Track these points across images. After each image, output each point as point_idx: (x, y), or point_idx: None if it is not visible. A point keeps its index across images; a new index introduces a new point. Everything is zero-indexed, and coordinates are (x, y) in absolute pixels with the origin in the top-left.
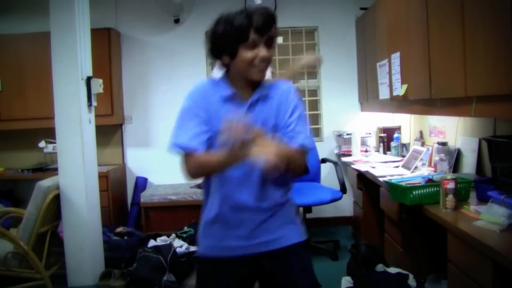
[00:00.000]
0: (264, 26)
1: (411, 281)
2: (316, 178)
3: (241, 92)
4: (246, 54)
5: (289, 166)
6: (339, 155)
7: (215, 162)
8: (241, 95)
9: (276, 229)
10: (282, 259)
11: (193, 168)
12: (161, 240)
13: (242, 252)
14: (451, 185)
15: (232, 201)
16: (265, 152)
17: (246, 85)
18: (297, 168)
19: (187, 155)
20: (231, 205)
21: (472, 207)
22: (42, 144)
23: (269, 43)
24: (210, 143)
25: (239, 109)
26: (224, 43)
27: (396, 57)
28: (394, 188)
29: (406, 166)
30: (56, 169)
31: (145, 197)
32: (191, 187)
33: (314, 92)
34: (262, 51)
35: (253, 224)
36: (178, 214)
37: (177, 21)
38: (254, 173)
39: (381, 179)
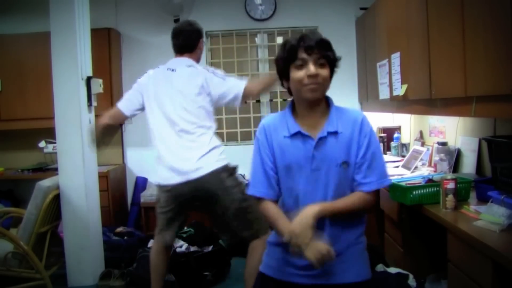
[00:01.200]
0: (312, 45)
1: (411, 281)
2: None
3: (308, 127)
4: (295, 73)
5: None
6: None
7: (270, 218)
8: (309, 130)
9: (343, 265)
10: None
11: (261, 211)
12: None
13: (307, 281)
14: (451, 185)
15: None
16: (310, 252)
17: (314, 118)
18: (364, 212)
19: (258, 200)
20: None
21: (472, 207)
22: (42, 144)
23: (321, 63)
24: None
25: (305, 146)
26: (279, 65)
27: (396, 57)
28: (394, 188)
29: (406, 166)
30: (56, 169)
31: (145, 197)
32: None
33: None
34: (310, 69)
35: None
36: None
37: (177, 21)
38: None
39: None
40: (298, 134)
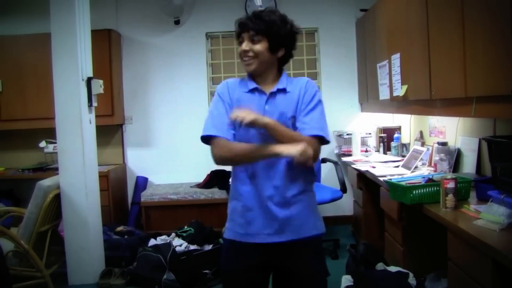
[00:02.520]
0: (244, 23)
1: (411, 279)
2: (316, 177)
3: (263, 86)
4: (239, 48)
5: None
6: (339, 155)
7: (249, 150)
8: (263, 88)
9: (300, 219)
10: (301, 249)
11: (222, 152)
12: (161, 239)
13: (265, 240)
14: (451, 185)
15: (259, 194)
16: (296, 147)
17: (265, 80)
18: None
19: (216, 141)
20: (259, 198)
21: (472, 206)
22: (42, 144)
23: (256, 39)
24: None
25: (260, 99)
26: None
27: (396, 58)
28: (394, 187)
29: (406, 166)
30: (56, 169)
31: (146, 196)
32: (191, 187)
33: None
34: (242, 46)
35: (278, 216)
36: (178, 213)
37: (177, 22)
38: (279, 165)
39: (381, 178)
40: (254, 90)
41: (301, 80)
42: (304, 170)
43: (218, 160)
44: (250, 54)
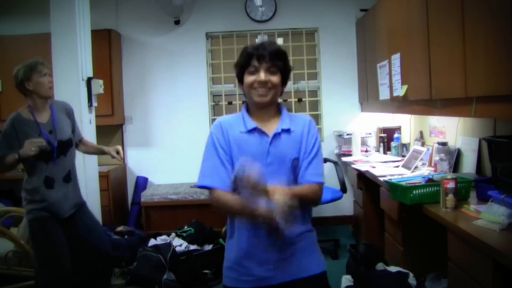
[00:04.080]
0: (261, 55)
1: (411, 279)
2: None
3: (262, 124)
4: (247, 78)
5: (303, 202)
6: (339, 155)
7: (231, 205)
8: (264, 127)
9: (299, 259)
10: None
11: (214, 203)
12: (161, 239)
13: (268, 283)
14: (451, 185)
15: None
16: (277, 198)
17: (265, 115)
18: (312, 204)
19: (212, 191)
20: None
21: (472, 206)
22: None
23: (272, 71)
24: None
25: (262, 141)
26: (236, 70)
27: (396, 58)
28: (394, 187)
29: (406, 166)
30: None
31: (146, 196)
32: (191, 187)
33: (314, 93)
34: (261, 76)
35: (277, 257)
36: (178, 213)
37: (177, 22)
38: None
39: (381, 178)
40: (254, 130)
41: (302, 119)
42: (303, 210)
43: (214, 210)
44: (269, 85)
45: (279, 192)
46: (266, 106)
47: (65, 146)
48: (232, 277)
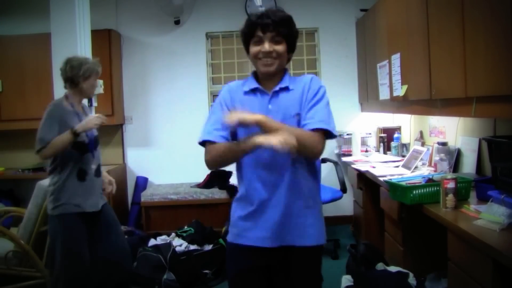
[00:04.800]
0: (265, 24)
1: (411, 279)
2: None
3: (265, 85)
4: (253, 48)
5: (302, 149)
6: (340, 155)
7: (228, 149)
8: (265, 87)
9: (305, 226)
10: (304, 257)
11: (210, 157)
12: (161, 239)
13: (266, 244)
14: (451, 185)
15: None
16: (276, 136)
17: (270, 79)
18: (310, 152)
19: (207, 147)
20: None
21: (472, 206)
22: None
23: (276, 40)
24: (235, 134)
25: (262, 99)
26: (242, 38)
27: (396, 58)
28: (394, 187)
29: (406, 166)
30: None
31: (146, 196)
32: (191, 187)
33: None
34: (265, 46)
35: (283, 217)
36: (178, 213)
37: (177, 22)
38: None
39: (381, 178)
40: (256, 90)
41: (305, 78)
42: (309, 178)
43: (207, 164)
44: (274, 55)
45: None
46: (273, 75)
47: (97, 141)
48: (234, 232)
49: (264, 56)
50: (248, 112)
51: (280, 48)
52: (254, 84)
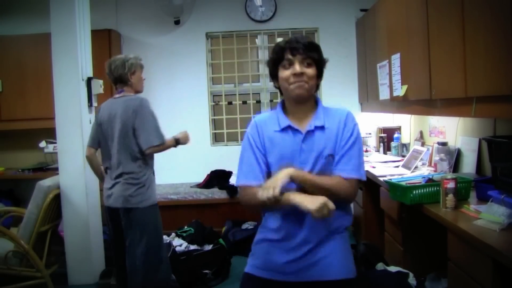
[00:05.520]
0: (294, 48)
1: (411, 279)
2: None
3: (296, 119)
4: (283, 73)
5: (335, 198)
6: None
7: (255, 200)
8: (297, 123)
9: (328, 260)
10: None
11: (244, 201)
12: None
13: (290, 279)
14: (451, 185)
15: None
16: (314, 202)
17: (301, 112)
18: (343, 200)
19: (243, 188)
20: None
21: (472, 206)
22: (42, 144)
23: (307, 63)
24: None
25: (295, 138)
26: (270, 66)
27: (396, 58)
28: (394, 187)
29: (406, 166)
30: (56, 169)
31: None
32: (191, 187)
33: None
34: (296, 68)
35: (303, 252)
36: (178, 213)
37: (177, 22)
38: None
39: (381, 178)
40: (288, 128)
41: (340, 112)
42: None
43: (244, 206)
44: (305, 78)
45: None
46: (303, 101)
47: None
48: (254, 264)
49: (296, 78)
50: (280, 172)
51: (311, 71)
52: (286, 122)
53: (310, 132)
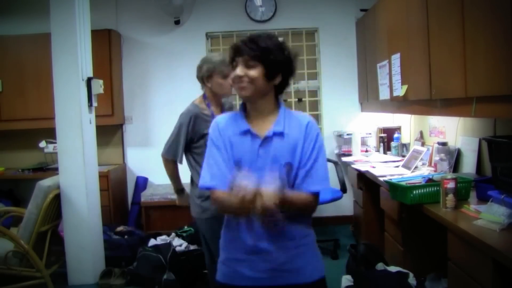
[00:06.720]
0: (238, 48)
1: (411, 279)
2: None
3: (256, 124)
4: (232, 74)
5: (298, 211)
6: (340, 155)
7: (229, 203)
8: (256, 128)
9: (297, 263)
10: None
11: (214, 203)
12: (161, 239)
13: (262, 283)
14: (451, 185)
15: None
16: (262, 201)
17: (263, 119)
18: (304, 212)
19: (212, 192)
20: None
21: (472, 206)
22: (42, 144)
23: (250, 64)
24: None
25: (253, 143)
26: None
27: (396, 58)
28: (394, 187)
29: (406, 166)
30: (56, 169)
31: (146, 196)
32: None
33: (314, 93)
34: (237, 71)
35: (272, 263)
36: (178, 213)
37: (177, 22)
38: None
39: (381, 178)
40: (247, 132)
41: (299, 121)
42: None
43: (218, 210)
44: (245, 79)
45: (268, 196)
46: (254, 102)
47: None
48: (225, 273)
49: (236, 80)
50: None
51: (253, 72)
52: (245, 125)
53: (268, 138)
